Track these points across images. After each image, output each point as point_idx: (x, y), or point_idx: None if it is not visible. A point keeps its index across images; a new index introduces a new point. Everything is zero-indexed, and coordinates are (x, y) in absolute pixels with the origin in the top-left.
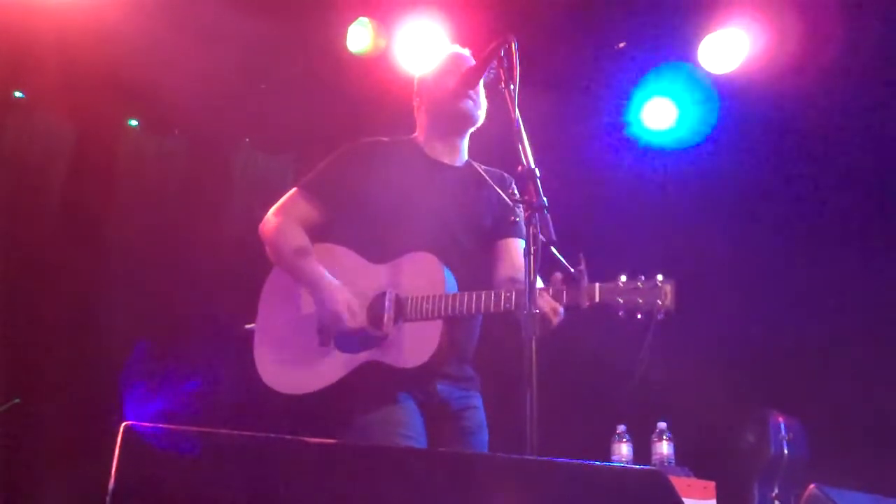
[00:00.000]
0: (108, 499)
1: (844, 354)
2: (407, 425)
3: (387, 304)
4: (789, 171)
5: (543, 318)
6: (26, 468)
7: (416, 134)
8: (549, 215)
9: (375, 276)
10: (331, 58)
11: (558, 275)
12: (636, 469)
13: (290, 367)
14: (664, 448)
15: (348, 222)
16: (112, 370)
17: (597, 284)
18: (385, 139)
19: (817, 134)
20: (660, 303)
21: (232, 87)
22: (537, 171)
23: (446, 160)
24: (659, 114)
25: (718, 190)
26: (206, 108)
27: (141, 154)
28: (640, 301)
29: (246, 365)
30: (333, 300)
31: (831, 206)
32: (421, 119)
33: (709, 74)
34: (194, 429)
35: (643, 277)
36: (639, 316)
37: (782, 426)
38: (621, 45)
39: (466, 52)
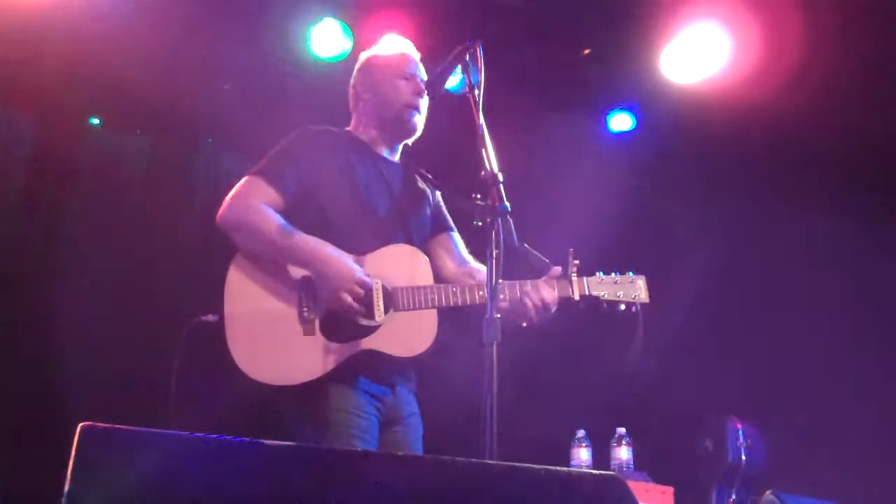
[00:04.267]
0: (63, 500)
1: (803, 362)
2: (366, 431)
3: (374, 294)
4: (751, 176)
5: (545, 305)
6: None
7: (352, 127)
8: (511, 220)
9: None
10: (295, 59)
11: (557, 268)
12: (595, 474)
13: (273, 357)
14: (623, 453)
15: (312, 211)
16: (72, 369)
17: (585, 278)
18: (334, 129)
19: (779, 139)
20: (635, 296)
21: (195, 87)
22: (500, 175)
23: (388, 156)
24: (620, 120)
25: (679, 197)
26: (168, 108)
27: (102, 153)
28: (620, 294)
29: (208, 359)
30: (340, 267)
31: (795, 210)
32: (362, 114)
33: (671, 83)
34: (152, 430)
35: (617, 273)
36: (622, 307)
37: (740, 433)
38: (586, 51)
39: (409, 45)
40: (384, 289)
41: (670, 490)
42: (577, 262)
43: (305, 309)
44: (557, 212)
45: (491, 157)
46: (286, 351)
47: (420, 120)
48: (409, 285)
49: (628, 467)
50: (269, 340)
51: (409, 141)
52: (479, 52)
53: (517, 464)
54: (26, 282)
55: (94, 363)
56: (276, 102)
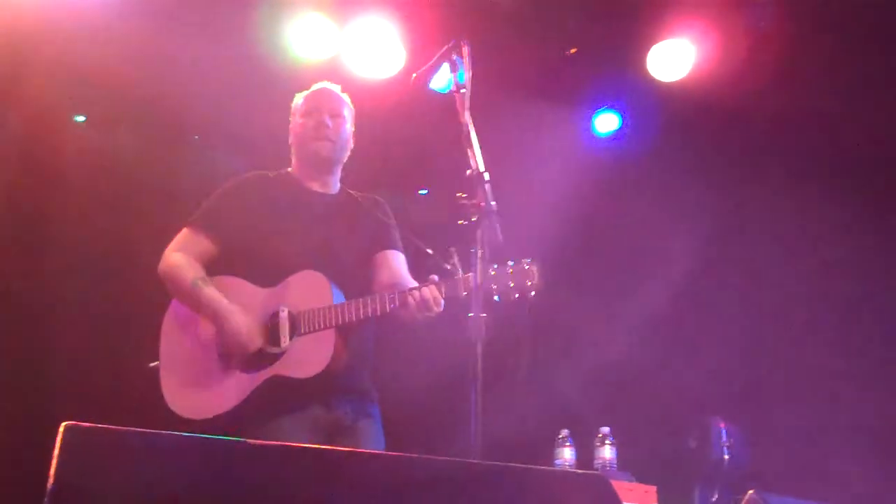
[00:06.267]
0: (46, 499)
1: (786, 362)
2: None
3: (281, 321)
4: (736, 174)
5: (425, 305)
6: None
7: (291, 168)
8: (496, 218)
9: (267, 299)
10: (282, 58)
11: (434, 276)
12: (578, 473)
13: (197, 394)
14: (607, 452)
15: (238, 253)
16: (55, 369)
17: (470, 274)
18: (269, 173)
19: (761, 138)
20: (529, 283)
21: (181, 84)
22: (486, 174)
23: (320, 189)
24: (607, 120)
25: (663, 195)
26: (154, 105)
27: (87, 150)
28: (512, 284)
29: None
30: (233, 326)
31: (781, 207)
32: (293, 154)
33: (658, 82)
34: (135, 429)
35: (511, 262)
36: (515, 296)
37: (723, 432)
38: (572, 51)
39: (337, 87)
40: (290, 315)
41: (653, 489)
42: (452, 260)
43: (223, 347)
44: (541, 210)
45: (477, 156)
46: (206, 387)
47: (331, 149)
48: (310, 308)
49: (612, 466)
50: (195, 379)
51: (335, 168)
52: (466, 51)
53: (501, 463)
54: (10, 281)
55: (79, 364)
56: (262, 100)
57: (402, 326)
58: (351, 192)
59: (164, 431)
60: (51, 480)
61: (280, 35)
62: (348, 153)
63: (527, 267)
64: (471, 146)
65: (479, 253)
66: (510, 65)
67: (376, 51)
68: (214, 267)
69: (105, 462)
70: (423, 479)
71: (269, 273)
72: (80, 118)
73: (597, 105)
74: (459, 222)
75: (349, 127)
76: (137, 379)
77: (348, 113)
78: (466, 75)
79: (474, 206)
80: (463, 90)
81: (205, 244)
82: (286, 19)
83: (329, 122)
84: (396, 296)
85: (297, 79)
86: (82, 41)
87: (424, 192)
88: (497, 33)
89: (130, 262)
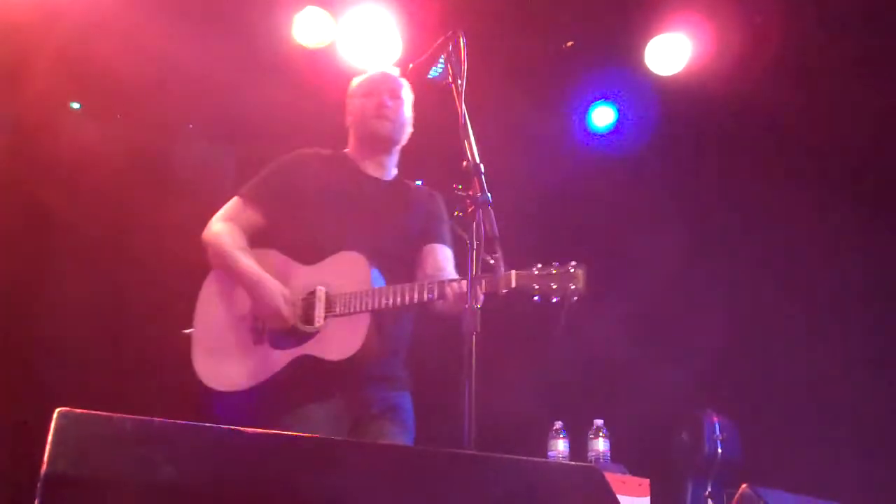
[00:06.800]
0: (39, 484)
1: (779, 355)
2: (320, 429)
3: (317, 301)
4: (730, 170)
5: (464, 298)
6: None
7: (348, 149)
8: (492, 210)
9: (306, 276)
10: (278, 47)
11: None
12: (572, 465)
13: (226, 365)
14: (600, 445)
15: (285, 228)
16: (50, 355)
17: (513, 272)
18: (324, 151)
19: (758, 132)
20: (573, 287)
21: (176, 72)
22: (482, 166)
23: (376, 174)
24: (603, 113)
25: (659, 190)
26: (149, 93)
27: (83, 137)
28: (554, 286)
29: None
30: (272, 296)
31: (772, 200)
32: (350, 137)
33: (654, 76)
34: (129, 416)
35: (556, 264)
36: (554, 299)
37: (717, 426)
38: (569, 44)
39: (395, 71)
40: (327, 295)
41: (646, 482)
42: (496, 255)
43: (257, 320)
44: (536, 202)
45: (473, 148)
46: (235, 359)
47: (391, 129)
48: (349, 291)
49: (605, 459)
50: (226, 350)
51: (394, 150)
52: (462, 43)
53: (495, 454)
54: (5, 266)
55: (75, 353)
56: (258, 91)
57: (439, 318)
58: (407, 181)
59: (156, 419)
60: (44, 465)
61: (276, 24)
62: (406, 137)
63: (572, 270)
64: (467, 137)
65: (475, 244)
66: (507, 57)
67: (373, 41)
68: (260, 240)
69: (98, 448)
70: (418, 469)
71: (310, 251)
72: (76, 105)
73: (593, 98)
74: (455, 213)
75: (408, 110)
76: (136, 365)
77: (407, 97)
78: (462, 67)
79: (470, 198)
80: (459, 81)
81: (253, 217)
82: (282, 8)
83: (389, 103)
84: (436, 285)
85: (292, 68)
86: (79, 28)
87: (420, 182)
88: (494, 25)
89: (124, 246)
